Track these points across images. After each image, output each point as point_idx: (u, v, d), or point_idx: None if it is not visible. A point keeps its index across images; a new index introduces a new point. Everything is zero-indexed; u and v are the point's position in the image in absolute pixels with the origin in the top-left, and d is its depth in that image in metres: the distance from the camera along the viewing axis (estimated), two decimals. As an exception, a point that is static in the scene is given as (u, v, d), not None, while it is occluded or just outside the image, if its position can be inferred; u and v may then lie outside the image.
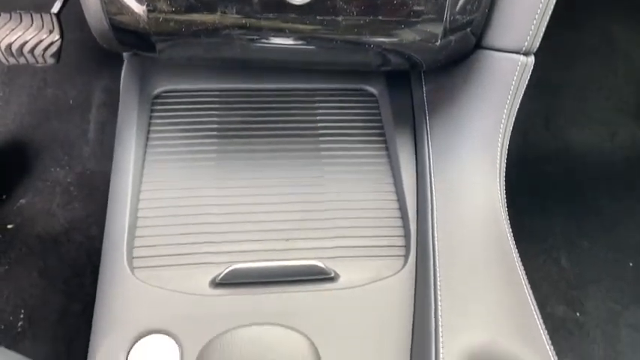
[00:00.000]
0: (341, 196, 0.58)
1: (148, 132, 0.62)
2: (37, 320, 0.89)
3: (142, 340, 0.46)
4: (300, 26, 0.45)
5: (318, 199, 0.58)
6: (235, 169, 0.59)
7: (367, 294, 0.50)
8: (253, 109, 0.66)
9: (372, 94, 0.68)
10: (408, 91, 0.66)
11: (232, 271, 0.50)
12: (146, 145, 0.60)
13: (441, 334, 0.43)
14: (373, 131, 0.65)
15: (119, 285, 0.49)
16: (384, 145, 0.64)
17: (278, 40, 0.47)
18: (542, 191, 0.91)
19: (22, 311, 0.90)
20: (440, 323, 0.44)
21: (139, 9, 0.43)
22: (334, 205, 0.57)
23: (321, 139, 0.64)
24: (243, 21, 0.44)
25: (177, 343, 0.46)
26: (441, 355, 0.42)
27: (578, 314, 0.80)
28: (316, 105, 0.66)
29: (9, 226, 0.97)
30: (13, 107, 1.02)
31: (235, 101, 0.66)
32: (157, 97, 0.65)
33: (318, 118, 0.65)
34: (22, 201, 0.98)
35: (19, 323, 0.88)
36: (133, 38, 0.48)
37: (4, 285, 0.93)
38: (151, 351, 0.45)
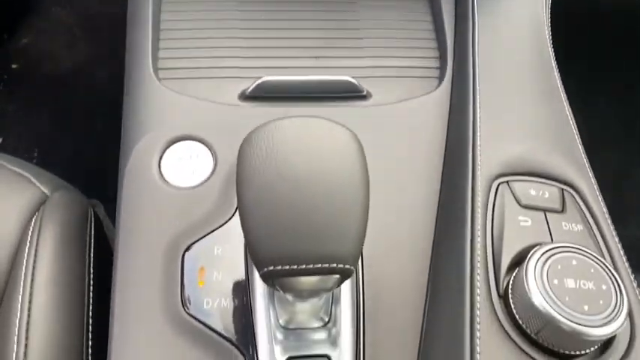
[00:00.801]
0: (374, 13, 0.55)
1: None
2: (51, 158, 0.88)
3: (174, 146, 0.45)
4: None
5: (351, 17, 0.54)
6: None
7: (400, 112, 0.49)
8: None
9: None
10: None
11: (262, 83, 0.48)
12: None
13: (478, 144, 0.42)
14: None
15: (148, 94, 0.47)
16: None
17: None
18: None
19: (36, 149, 0.90)
20: (478, 134, 0.43)
21: None
22: (366, 24, 0.54)
23: None
24: None
25: (209, 148, 0.45)
26: (478, 163, 0.41)
27: None
28: None
29: (14, 66, 0.93)
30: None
31: None
32: None
33: None
34: (25, 41, 0.94)
35: (34, 161, 0.88)
36: None
37: (16, 124, 0.91)
38: (183, 156, 0.45)
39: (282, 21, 0.54)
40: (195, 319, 0.39)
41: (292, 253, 0.30)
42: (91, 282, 0.52)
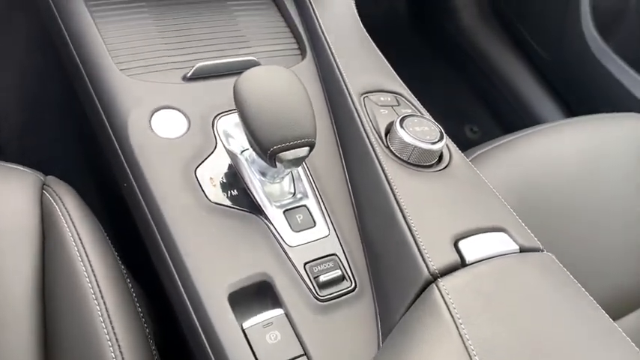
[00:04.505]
0: (246, 19, 0.81)
1: None
2: None
3: (156, 114, 0.65)
4: None
5: (233, 23, 0.80)
6: (168, 10, 0.77)
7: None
8: None
9: None
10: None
11: (198, 68, 0.70)
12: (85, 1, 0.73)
13: (347, 80, 0.72)
14: None
15: (121, 85, 0.66)
16: None
17: None
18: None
19: None
20: (347, 81, 0.72)
21: None
22: (244, 26, 0.80)
23: None
24: None
25: (181, 112, 0.66)
26: (350, 89, 0.71)
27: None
28: None
29: None
30: None
31: None
32: None
33: None
34: None
35: None
36: None
37: None
38: (164, 119, 0.65)
39: (192, 26, 0.77)
40: (219, 204, 0.60)
41: (284, 136, 0.55)
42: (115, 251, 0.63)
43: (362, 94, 0.71)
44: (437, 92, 1.54)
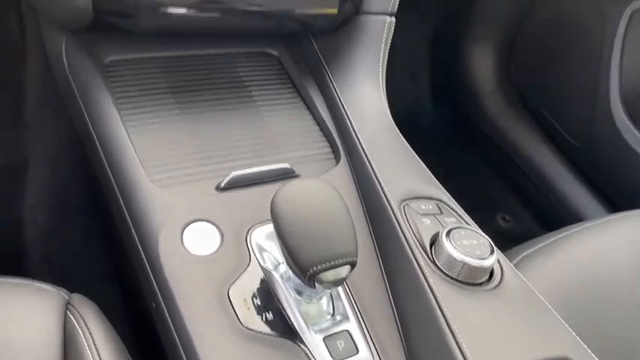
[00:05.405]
0: (277, 122, 0.80)
1: (113, 94, 0.74)
2: None
3: (188, 228, 0.62)
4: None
5: (266, 127, 0.78)
6: (200, 117, 0.76)
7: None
8: (189, 72, 0.83)
9: (275, 56, 0.90)
10: (301, 50, 0.90)
11: (233, 177, 0.68)
12: (116, 105, 0.73)
13: (387, 190, 0.69)
14: (284, 84, 0.88)
15: (153, 197, 0.63)
16: (295, 93, 0.87)
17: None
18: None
19: None
20: (385, 188, 0.69)
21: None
22: (275, 130, 0.79)
23: (244, 92, 0.84)
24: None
25: (214, 225, 0.63)
26: (388, 196, 0.68)
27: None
28: (236, 65, 0.86)
29: None
30: None
31: (172, 66, 0.82)
32: (108, 66, 0.78)
33: (240, 75, 0.85)
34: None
35: None
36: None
37: None
38: (196, 233, 0.62)
39: (224, 131, 0.75)
40: (253, 330, 0.55)
41: (324, 255, 0.52)
42: None
43: (401, 202, 0.68)
44: (465, 180, 1.51)
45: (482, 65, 1.63)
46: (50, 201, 1.10)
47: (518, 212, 1.60)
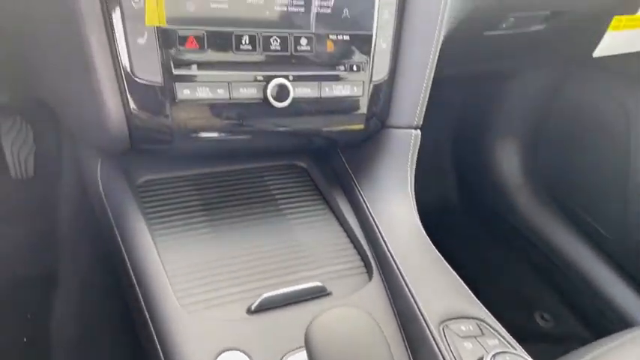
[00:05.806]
0: (308, 235, 0.79)
1: (145, 214, 0.75)
2: None
3: (220, 357, 0.60)
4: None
5: (295, 242, 0.78)
6: (231, 235, 0.76)
7: (357, 300, 0.71)
8: (220, 188, 0.84)
9: (303, 168, 0.91)
10: (329, 163, 0.92)
11: (264, 299, 0.67)
12: (149, 226, 0.74)
13: (424, 310, 0.66)
14: (313, 196, 0.88)
15: (183, 323, 0.62)
16: (325, 205, 0.87)
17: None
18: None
19: None
20: (422, 307, 0.67)
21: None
22: (305, 245, 0.78)
23: (273, 206, 0.84)
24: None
25: (245, 354, 0.61)
26: (427, 319, 0.65)
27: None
28: (265, 179, 0.88)
29: None
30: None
31: (203, 183, 0.84)
32: (141, 186, 0.80)
33: (270, 188, 0.86)
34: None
35: None
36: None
37: None
38: (229, 364, 0.60)
39: (254, 248, 0.75)
40: None
41: None
42: None
43: (440, 323, 0.65)
44: (499, 278, 1.46)
45: (508, 160, 1.63)
46: (78, 312, 1.09)
47: (557, 311, 1.52)
